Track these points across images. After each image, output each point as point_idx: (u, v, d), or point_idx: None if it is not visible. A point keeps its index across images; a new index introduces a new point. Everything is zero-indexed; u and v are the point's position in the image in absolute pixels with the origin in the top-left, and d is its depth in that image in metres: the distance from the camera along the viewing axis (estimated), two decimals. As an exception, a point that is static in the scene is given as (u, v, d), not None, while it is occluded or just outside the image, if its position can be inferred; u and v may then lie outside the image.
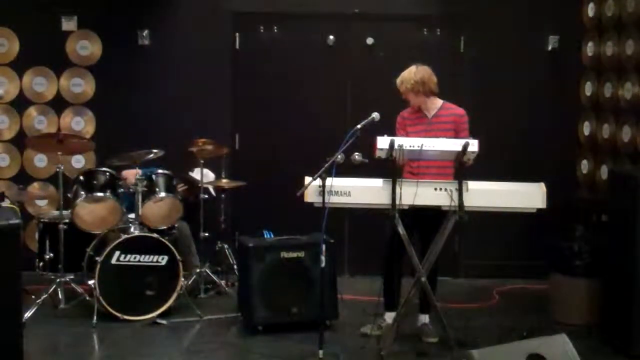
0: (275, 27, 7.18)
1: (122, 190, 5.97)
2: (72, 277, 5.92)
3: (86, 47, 7.08)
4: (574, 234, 5.87)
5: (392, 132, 5.22)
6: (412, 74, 5.30)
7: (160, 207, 6.01)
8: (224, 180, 6.52)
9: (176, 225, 6.24)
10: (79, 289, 5.89)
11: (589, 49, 6.78)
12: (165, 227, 6.10)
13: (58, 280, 5.82)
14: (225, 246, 6.73)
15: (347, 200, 4.86)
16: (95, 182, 5.90)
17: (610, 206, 5.63)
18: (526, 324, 5.50)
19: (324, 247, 4.76)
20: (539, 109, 7.07)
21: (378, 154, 4.80)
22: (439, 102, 5.40)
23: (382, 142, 4.77)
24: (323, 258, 4.77)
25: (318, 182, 4.74)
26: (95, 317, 5.54)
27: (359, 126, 4.85)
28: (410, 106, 5.41)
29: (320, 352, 4.76)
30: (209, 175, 6.60)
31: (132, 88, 6.99)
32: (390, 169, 4.80)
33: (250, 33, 7.18)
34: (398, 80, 5.35)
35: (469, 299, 6.49)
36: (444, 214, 4.89)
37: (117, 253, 5.67)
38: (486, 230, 6.55)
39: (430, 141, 4.85)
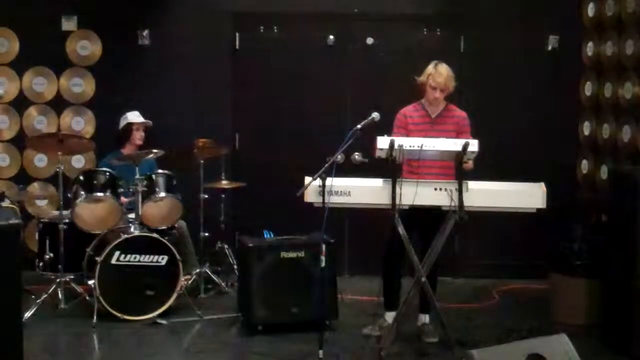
0: (275, 27, 7.18)
1: (122, 190, 5.98)
2: (72, 277, 5.92)
3: (86, 47, 7.09)
4: (574, 234, 5.87)
5: (391, 132, 5.23)
6: (451, 74, 5.27)
7: (160, 207, 6.01)
8: (224, 181, 6.52)
9: (176, 225, 6.25)
10: (79, 289, 5.89)
11: (589, 49, 6.78)
12: (165, 227, 6.10)
13: (58, 280, 5.82)
14: (225, 246, 6.73)
15: (347, 200, 4.85)
16: (95, 182, 5.90)
17: (610, 206, 5.63)
18: (526, 324, 5.50)
19: (324, 247, 4.76)
20: (539, 109, 7.07)
21: (378, 154, 4.80)
22: (443, 103, 5.40)
23: (382, 142, 4.77)
24: (323, 258, 4.77)
25: (318, 182, 4.74)
26: (95, 317, 5.54)
27: (359, 126, 4.85)
28: (413, 103, 5.41)
29: (320, 352, 4.75)
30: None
31: (132, 88, 6.99)
32: (391, 169, 4.80)
33: (250, 33, 7.18)
34: (445, 78, 5.23)
35: (469, 299, 6.50)
36: (444, 214, 4.89)
37: (117, 253, 5.67)
38: (486, 230, 6.55)
39: (430, 141, 4.85)
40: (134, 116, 6.54)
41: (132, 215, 5.98)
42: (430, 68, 5.31)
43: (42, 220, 6.07)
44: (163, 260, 5.76)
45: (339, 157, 4.77)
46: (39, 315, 5.58)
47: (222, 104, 7.14)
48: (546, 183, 4.89)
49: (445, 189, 4.79)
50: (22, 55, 7.03)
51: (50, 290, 5.77)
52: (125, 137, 6.52)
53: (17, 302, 4.18)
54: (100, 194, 5.87)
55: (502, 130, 6.84)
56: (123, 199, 6.01)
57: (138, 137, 6.51)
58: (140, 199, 5.83)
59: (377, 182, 4.84)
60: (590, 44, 6.76)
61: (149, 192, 5.93)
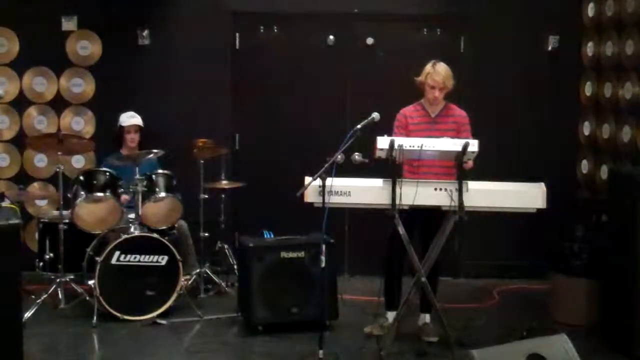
0: (275, 27, 7.18)
1: (122, 190, 5.97)
2: (72, 277, 5.92)
3: (86, 47, 7.08)
4: (574, 234, 5.87)
5: (392, 132, 5.22)
6: (450, 72, 5.27)
7: (160, 207, 6.01)
8: (224, 181, 6.52)
9: (176, 225, 6.25)
10: (79, 289, 5.89)
11: (589, 49, 6.79)
12: (165, 227, 6.10)
13: (58, 280, 5.83)
14: (225, 246, 6.72)
15: (347, 200, 4.85)
16: (95, 182, 5.90)
17: (610, 206, 5.63)
18: (526, 324, 5.50)
19: (324, 247, 4.76)
20: (539, 109, 7.07)
21: (378, 154, 4.80)
22: (443, 102, 5.41)
23: (382, 142, 4.77)
24: (323, 258, 4.77)
25: (318, 182, 4.74)
26: (95, 317, 5.54)
27: (359, 126, 4.85)
28: (413, 103, 5.42)
29: (320, 352, 4.76)
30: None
31: (132, 88, 6.99)
32: (391, 169, 4.80)
33: (250, 33, 7.17)
34: (443, 76, 5.24)
35: (469, 299, 6.49)
36: (444, 214, 4.89)
37: (117, 253, 5.67)
38: (486, 230, 6.55)
39: (430, 141, 4.85)
40: (125, 118, 6.52)
41: (132, 215, 5.98)
42: (428, 67, 5.31)
43: (42, 220, 6.07)
44: (163, 260, 5.76)
45: (339, 157, 4.77)
46: (39, 315, 5.58)
47: (222, 104, 7.13)
48: (546, 183, 4.90)
49: (446, 189, 4.79)
50: (22, 55, 7.03)
51: (50, 290, 5.78)
52: (120, 139, 6.52)
53: (17, 302, 4.19)
54: (100, 194, 5.87)
55: (502, 130, 6.84)
56: (124, 197, 6.00)
57: (129, 139, 6.49)
58: (140, 199, 5.83)
59: (377, 182, 4.84)
60: (590, 44, 6.77)
61: (149, 192, 5.93)
